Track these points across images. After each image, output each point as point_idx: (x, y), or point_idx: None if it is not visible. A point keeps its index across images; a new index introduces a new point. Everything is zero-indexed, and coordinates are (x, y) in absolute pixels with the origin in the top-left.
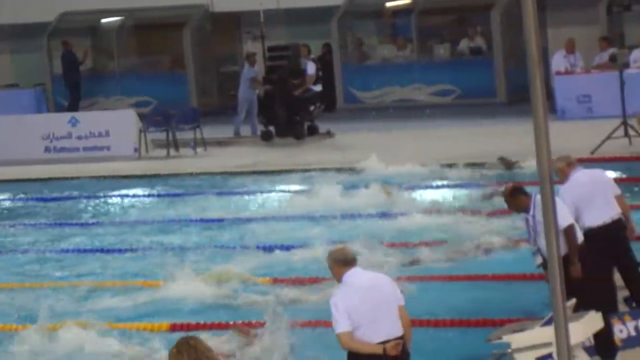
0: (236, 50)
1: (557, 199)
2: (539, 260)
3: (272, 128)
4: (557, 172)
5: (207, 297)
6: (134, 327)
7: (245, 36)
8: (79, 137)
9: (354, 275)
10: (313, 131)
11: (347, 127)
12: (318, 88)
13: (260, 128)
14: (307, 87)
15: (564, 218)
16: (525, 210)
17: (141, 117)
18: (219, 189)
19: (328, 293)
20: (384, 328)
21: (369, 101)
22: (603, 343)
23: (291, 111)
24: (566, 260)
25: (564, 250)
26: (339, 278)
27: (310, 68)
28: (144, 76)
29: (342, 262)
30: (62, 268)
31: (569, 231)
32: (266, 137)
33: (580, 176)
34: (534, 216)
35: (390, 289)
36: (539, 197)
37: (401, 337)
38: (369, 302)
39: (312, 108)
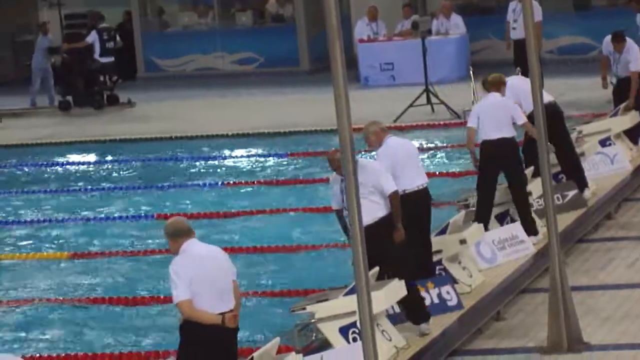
0: (32, 18)
1: (379, 164)
2: None
3: (69, 98)
4: (371, 134)
5: None
6: None
7: (41, 3)
8: None
9: (192, 245)
10: (113, 101)
11: (149, 96)
12: (107, 59)
13: (58, 98)
14: (93, 57)
15: (392, 183)
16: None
17: None
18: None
19: None
20: (221, 299)
21: (171, 69)
22: (413, 308)
23: (89, 81)
24: (383, 225)
25: (383, 213)
26: (176, 249)
27: (90, 37)
28: None
29: (177, 234)
30: None
31: (396, 196)
32: (64, 107)
33: (395, 142)
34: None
35: (226, 262)
36: (361, 160)
37: (234, 310)
38: (208, 272)
39: (101, 78)
